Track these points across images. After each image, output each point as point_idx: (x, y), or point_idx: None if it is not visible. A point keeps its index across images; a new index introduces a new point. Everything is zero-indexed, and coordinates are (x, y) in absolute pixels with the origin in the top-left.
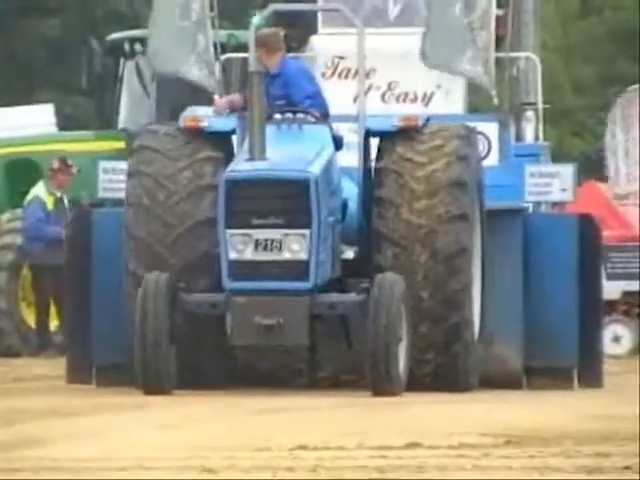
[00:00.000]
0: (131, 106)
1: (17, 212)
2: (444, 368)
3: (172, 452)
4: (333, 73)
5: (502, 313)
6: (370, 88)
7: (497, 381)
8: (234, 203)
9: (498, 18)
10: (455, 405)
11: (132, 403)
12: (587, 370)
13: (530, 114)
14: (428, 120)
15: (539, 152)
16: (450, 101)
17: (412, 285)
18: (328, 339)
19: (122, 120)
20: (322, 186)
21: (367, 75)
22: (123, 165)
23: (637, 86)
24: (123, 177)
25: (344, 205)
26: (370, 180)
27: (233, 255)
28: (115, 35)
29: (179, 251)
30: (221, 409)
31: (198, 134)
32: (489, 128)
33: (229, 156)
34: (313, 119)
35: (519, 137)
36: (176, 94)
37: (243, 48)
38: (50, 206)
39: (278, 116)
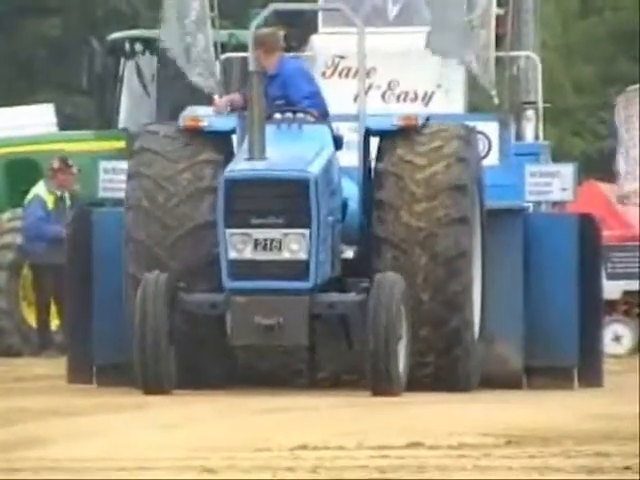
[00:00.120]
0: (131, 106)
1: (17, 211)
2: (444, 371)
3: (172, 452)
4: (333, 72)
5: (502, 313)
6: (370, 87)
7: (497, 381)
8: (234, 203)
9: (498, 17)
10: (455, 405)
11: (132, 403)
12: (587, 370)
13: (530, 113)
14: (428, 119)
15: (539, 151)
16: (450, 100)
17: (412, 287)
18: (328, 339)
19: (122, 120)
20: (322, 186)
21: (367, 74)
22: (123, 165)
23: (637, 86)
24: (123, 177)
25: (344, 205)
26: (370, 180)
27: (233, 255)
28: (115, 35)
29: (178, 254)
30: (221, 409)
31: (198, 134)
32: (489, 127)
33: (229, 156)
34: (312, 119)
35: (519, 136)
36: (176, 94)
37: (243, 48)
38: (50, 205)
39: (278, 116)
